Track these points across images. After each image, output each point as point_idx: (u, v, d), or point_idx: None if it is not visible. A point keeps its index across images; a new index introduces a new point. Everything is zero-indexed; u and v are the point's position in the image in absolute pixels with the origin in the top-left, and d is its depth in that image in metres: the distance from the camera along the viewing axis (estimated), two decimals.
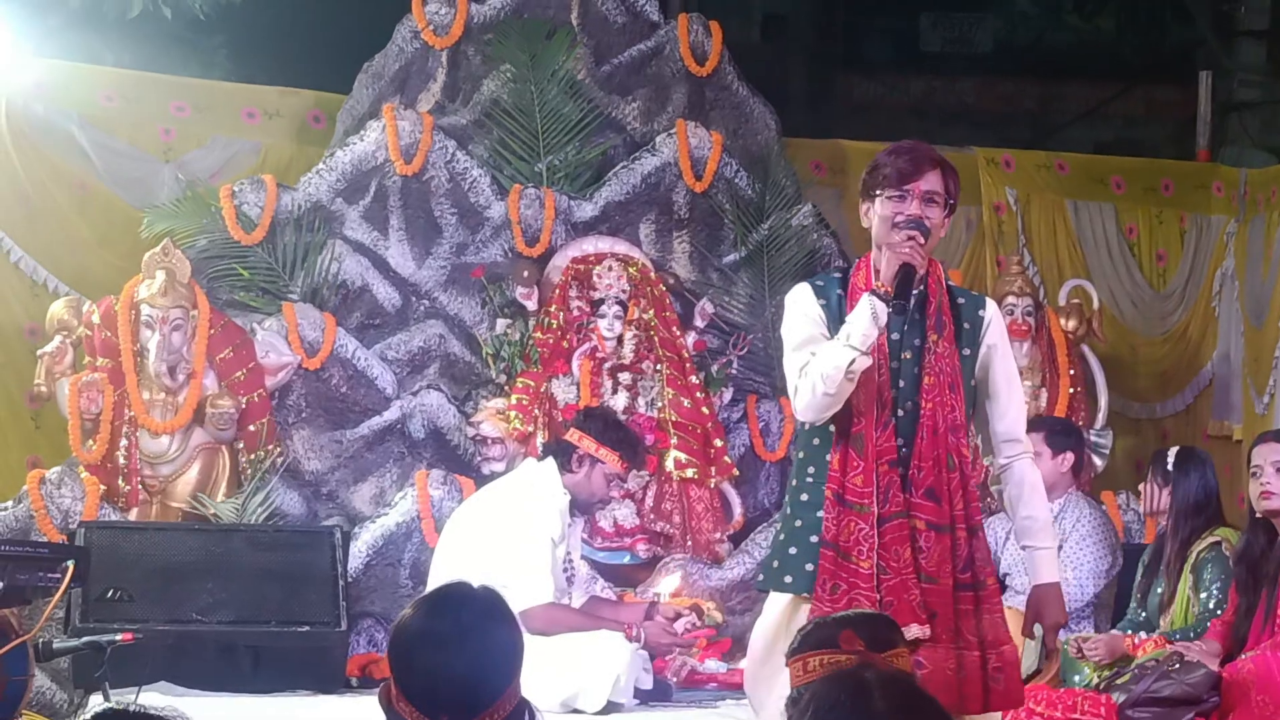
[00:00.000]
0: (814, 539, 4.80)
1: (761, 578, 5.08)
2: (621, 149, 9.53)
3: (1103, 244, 10.43)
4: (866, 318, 4.70)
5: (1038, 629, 5.00)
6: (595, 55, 9.59)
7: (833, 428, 4.83)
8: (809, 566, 4.80)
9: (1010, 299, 9.42)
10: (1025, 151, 10.82)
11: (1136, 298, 10.44)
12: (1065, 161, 10.69)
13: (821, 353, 4.76)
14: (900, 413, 4.80)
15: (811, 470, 4.89)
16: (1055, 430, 8.05)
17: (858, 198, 5.06)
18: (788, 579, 4.86)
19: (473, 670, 3.42)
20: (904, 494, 4.77)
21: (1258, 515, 6.81)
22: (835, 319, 4.87)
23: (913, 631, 4.61)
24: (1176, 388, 10.55)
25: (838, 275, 5.03)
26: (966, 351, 4.92)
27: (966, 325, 4.94)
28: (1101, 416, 9.61)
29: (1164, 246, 10.52)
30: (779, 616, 4.85)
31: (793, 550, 4.87)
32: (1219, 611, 7.01)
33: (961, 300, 5.00)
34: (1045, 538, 5.03)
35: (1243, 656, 6.68)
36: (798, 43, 14.74)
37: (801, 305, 4.96)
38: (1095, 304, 9.82)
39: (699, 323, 9.19)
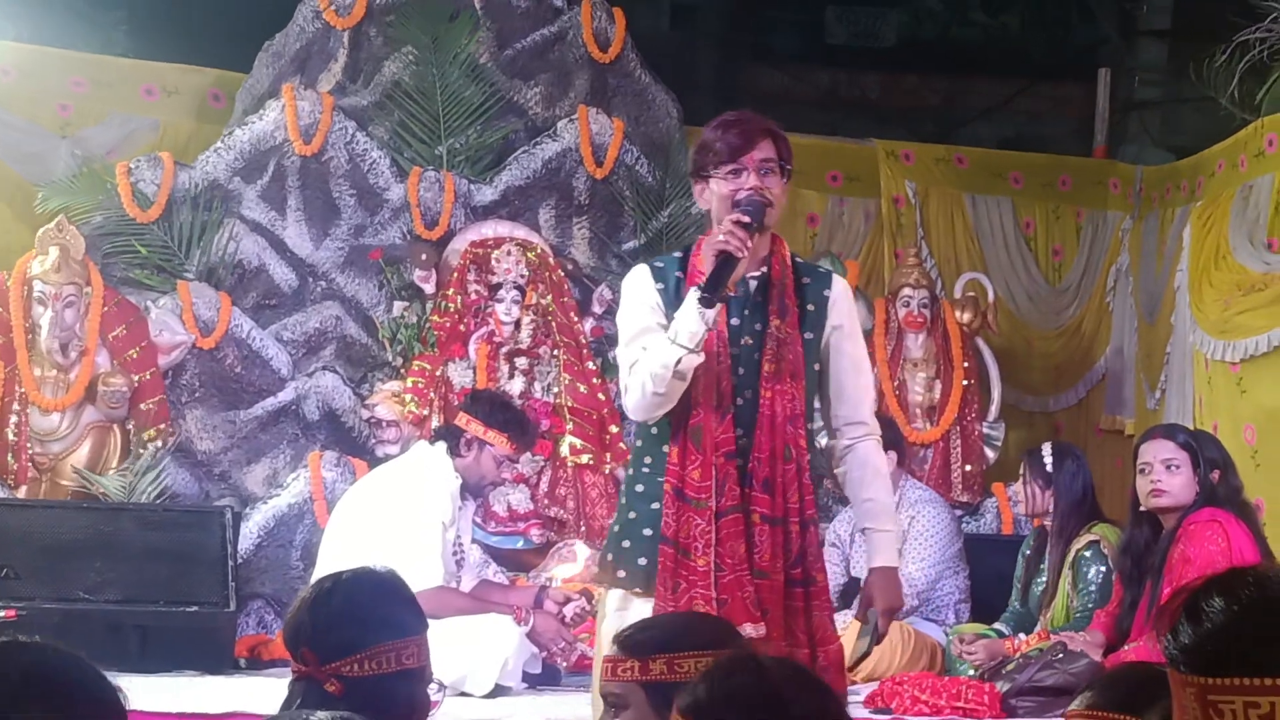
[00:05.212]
0: (648, 532, 4.55)
1: (597, 571, 4.83)
2: (523, 134, 9.51)
3: (1000, 238, 10.49)
4: (694, 314, 4.37)
5: (872, 613, 4.73)
6: (498, 39, 9.57)
7: (670, 419, 4.54)
8: (642, 560, 4.56)
9: (907, 291, 9.50)
10: (925, 145, 10.85)
11: (1032, 292, 10.51)
12: (964, 156, 10.74)
13: (651, 349, 4.45)
14: (739, 401, 4.52)
15: (648, 461, 4.62)
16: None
17: None
18: (621, 574, 4.61)
19: (333, 610, 3.32)
20: (741, 487, 4.50)
21: (1142, 509, 6.87)
22: (673, 303, 4.53)
23: (747, 630, 4.32)
24: (1070, 382, 10.62)
25: (678, 255, 4.68)
26: (809, 335, 4.63)
27: (811, 307, 4.64)
28: (994, 409, 9.69)
29: (1060, 241, 10.59)
30: (616, 612, 4.58)
31: (626, 544, 4.61)
32: (1094, 610, 7.08)
33: (807, 280, 4.68)
34: (886, 521, 4.77)
35: (1126, 647, 6.74)
36: (706, 32, 14.74)
37: (638, 291, 4.63)
38: (991, 297, 9.90)
39: (597, 309, 9.20)
